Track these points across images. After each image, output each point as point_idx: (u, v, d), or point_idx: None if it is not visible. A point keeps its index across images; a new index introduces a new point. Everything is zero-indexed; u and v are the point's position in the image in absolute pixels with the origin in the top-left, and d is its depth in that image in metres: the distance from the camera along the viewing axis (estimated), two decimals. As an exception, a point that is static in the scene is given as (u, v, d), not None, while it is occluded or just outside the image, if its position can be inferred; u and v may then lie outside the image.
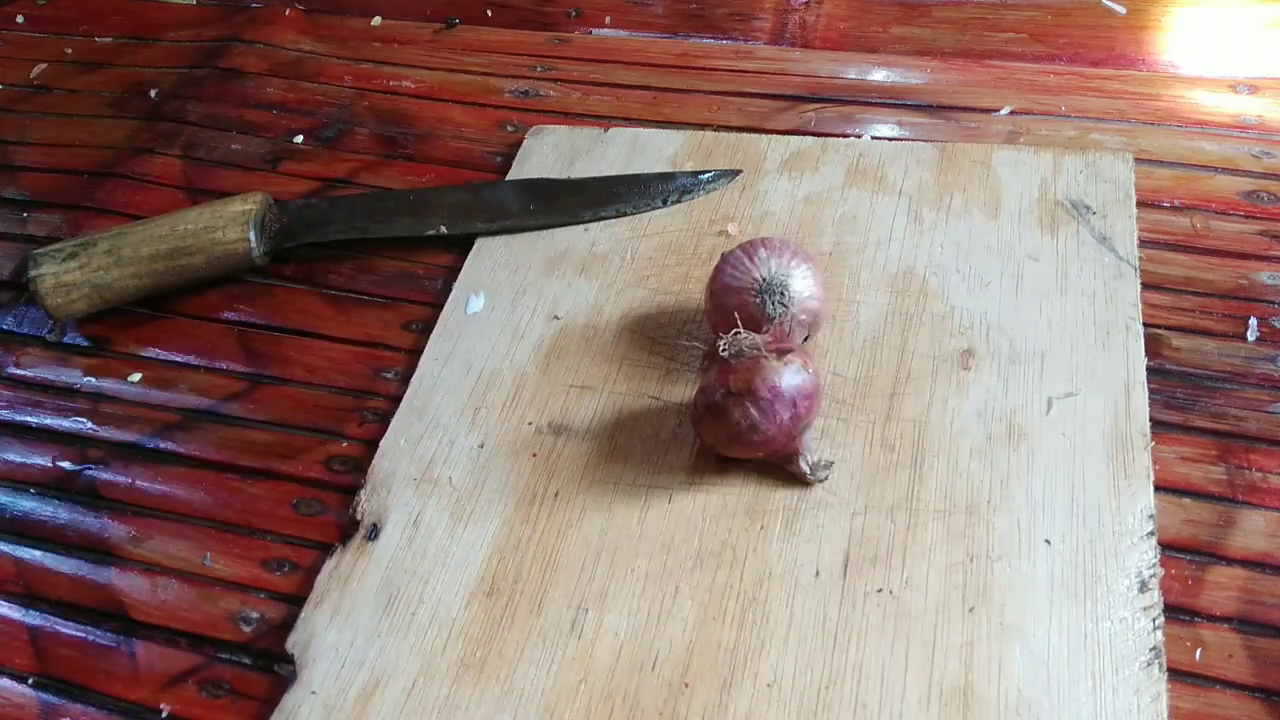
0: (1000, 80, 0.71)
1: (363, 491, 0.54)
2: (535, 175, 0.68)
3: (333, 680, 0.47)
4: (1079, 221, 0.60)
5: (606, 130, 0.71)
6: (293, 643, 0.49)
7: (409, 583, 0.50)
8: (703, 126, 0.71)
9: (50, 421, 0.61)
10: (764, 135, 0.69)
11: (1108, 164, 0.63)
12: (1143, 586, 0.46)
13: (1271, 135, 0.65)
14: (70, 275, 0.63)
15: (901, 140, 0.68)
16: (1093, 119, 0.68)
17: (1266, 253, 0.59)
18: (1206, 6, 0.74)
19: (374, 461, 0.55)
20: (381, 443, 0.56)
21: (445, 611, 0.49)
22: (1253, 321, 0.56)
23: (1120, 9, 0.74)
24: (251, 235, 0.64)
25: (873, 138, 0.68)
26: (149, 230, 0.64)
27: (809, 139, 0.68)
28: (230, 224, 0.64)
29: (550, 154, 0.70)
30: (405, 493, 0.53)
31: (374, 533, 0.52)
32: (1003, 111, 0.69)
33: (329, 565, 0.51)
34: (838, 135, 0.68)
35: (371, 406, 0.59)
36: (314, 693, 0.47)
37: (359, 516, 0.53)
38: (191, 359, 0.63)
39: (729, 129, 0.70)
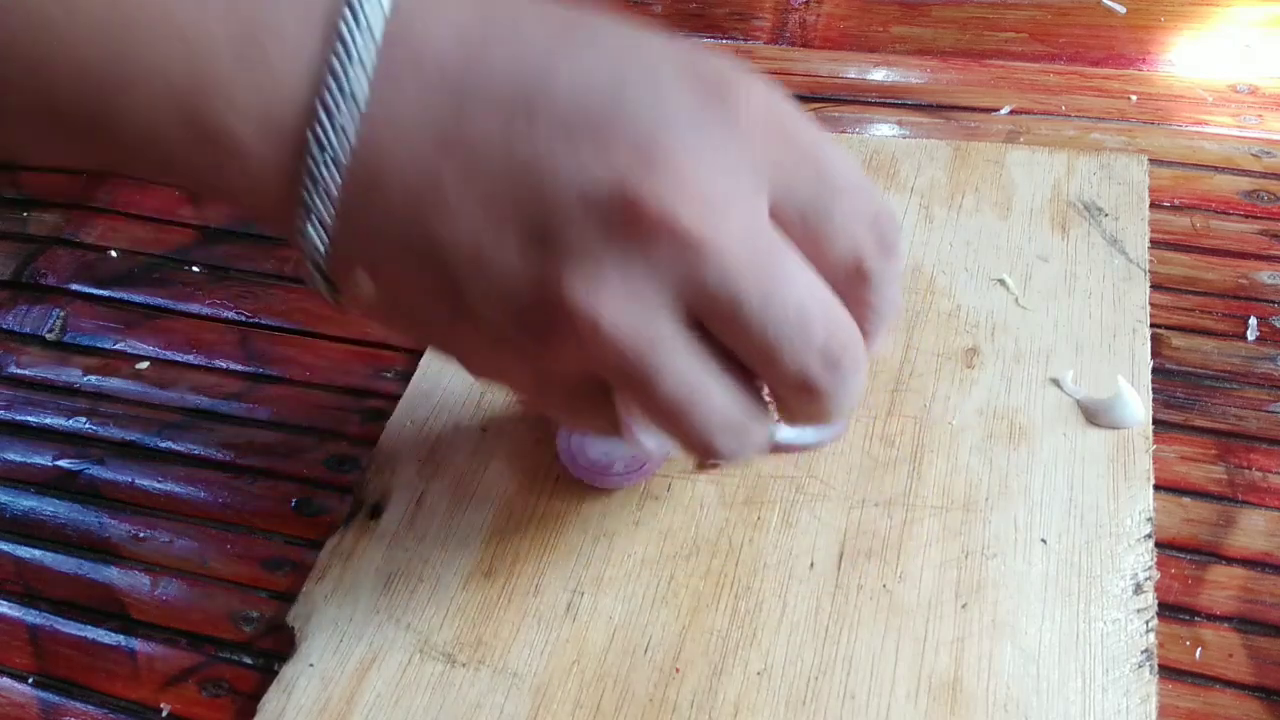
0: (1000, 80, 0.71)
1: (368, 471, 0.54)
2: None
3: (331, 653, 0.48)
4: (1090, 223, 0.60)
5: None
6: (293, 616, 0.50)
7: (409, 561, 0.51)
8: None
9: (50, 421, 0.61)
10: None
11: (1122, 166, 0.63)
12: (1137, 589, 0.46)
13: (1271, 135, 0.65)
14: None
15: (914, 138, 0.67)
16: (1093, 119, 0.68)
17: (1266, 252, 0.59)
18: (1206, 6, 0.74)
19: (379, 441, 0.56)
20: (388, 424, 0.56)
21: (443, 590, 0.49)
22: (1253, 321, 0.56)
23: (1120, 9, 0.74)
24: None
25: (871, 136, 0.68)
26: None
27: None
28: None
29: None
30: (409, 473, 0.54)
31: (377, 511, 0.53)
32: (1003, 111, 0.69)
33: (331, 542, 0.52)
34: (838, 134, 0.68)
35: (371, 406, 0.59)
36: (312, 665, 0.48)
37: (363, 495, 0.53)
38: (191, 358, 0.63)
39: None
